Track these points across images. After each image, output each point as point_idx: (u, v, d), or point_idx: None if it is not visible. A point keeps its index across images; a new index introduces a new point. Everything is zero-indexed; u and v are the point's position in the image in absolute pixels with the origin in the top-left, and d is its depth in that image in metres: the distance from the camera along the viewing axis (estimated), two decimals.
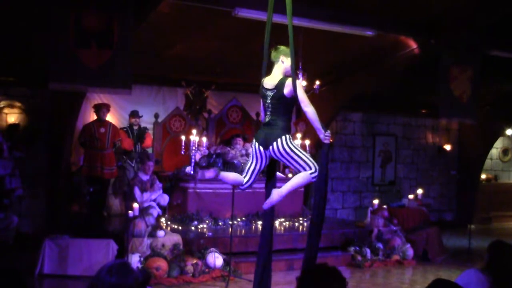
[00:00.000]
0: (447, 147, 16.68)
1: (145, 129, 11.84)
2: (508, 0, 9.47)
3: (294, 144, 5.78)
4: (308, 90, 10.76)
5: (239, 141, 11.71)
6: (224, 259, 8.95)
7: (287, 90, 5.76)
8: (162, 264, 8.51)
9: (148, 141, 11.81)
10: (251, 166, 6.05)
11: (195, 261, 8.79)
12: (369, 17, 9.82)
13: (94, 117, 11.09)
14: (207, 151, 11.15)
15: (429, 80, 11.50)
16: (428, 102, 14.57)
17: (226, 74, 12.35)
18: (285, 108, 5.84)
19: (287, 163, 5.86)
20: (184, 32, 10.04)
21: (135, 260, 8.38)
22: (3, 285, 2.72)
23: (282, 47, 5.90)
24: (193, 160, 10.69)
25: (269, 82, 5.90)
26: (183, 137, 11.00)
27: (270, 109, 5.83)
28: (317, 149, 13.86)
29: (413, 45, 11.07)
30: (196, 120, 12.33)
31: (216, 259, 8.89)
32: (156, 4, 8.43)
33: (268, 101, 5.85)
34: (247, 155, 11.35)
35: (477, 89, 11.19)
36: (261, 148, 5.85)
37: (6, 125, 10.98)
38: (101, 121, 10.93)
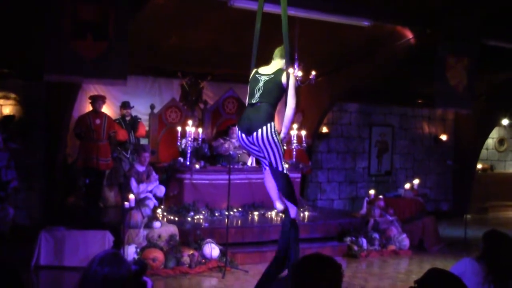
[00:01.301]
0: (443, 137, 16.69)
1: (137, 118, 11.82)
2: None
3: (277, 136, 5.79)
4: (304, 80, 10.76)
5: (236, 130, 11.71)
6: (220, 250, 8.96)
7: (284, 79, 5.79)
8: (158, 255, 8.51)
9: (142, 130, 11.78)
10: (254, 154, 6.09)
11: (191, 252, 8.80)
12: (365, 7, 9.80)
13: (89, 108, 11.06)
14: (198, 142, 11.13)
15: (426, 70, 11.49)
16: (424, 92, 14.55)
17: (222, 65, 12.32)
18: (276, 94, 5.86)
19: (264, 152, 5.85)
20: (179, 23, 10.00)
21: (131, 251, 8.39)
22: None
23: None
24: (189, 152, 10.69)
25: (266, 69, 5.94)
26: (179, 128, 10.99)
27: (260, 92, 5.83)
28: (313, 140, 13.89)
29: (409, 35, 11.07)
30: (192, 111, 12.31)
31: (212, 250, 8.90)
32: None
33: (260, 84, 5.86)
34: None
35: (473, 79, 11.19)
36: (244, 136, 5.86)
37: (1, 117, 10.93)
38: (96, 113, 10.90)
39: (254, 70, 6.02)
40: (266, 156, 5.87)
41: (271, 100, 5.85)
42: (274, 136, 5.77)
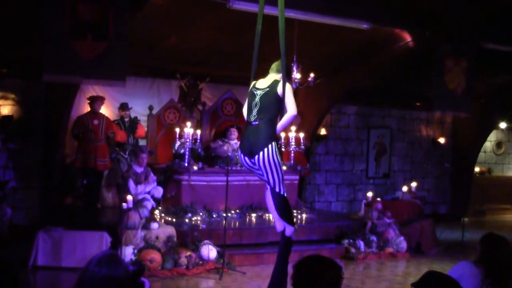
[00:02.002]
0: (441, 140, 16.71)
1: (136, 119, 11.83)
2: None
3: (279, 157, 5.80)
4: (303, 82, 10.77)
5: (234, 131, 11.74)
6: (218, 252, 8.96)
7: (280, 89, 5.79)
8: (156, 256, 8.51)
9: (141, 131, 11.79)
10: (257, 174, 6.10)
11: (189, 253, 8.79)
12: (364, 10, 9.81)
13: (88, 108, 11.05)
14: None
15: (424, 73, 11.50)
16: (422, 95, 14.57)
17: (221, 66, 12.32)
18: (273, 108, 5.84)
19: (264, 173, 5.85)
20: (178, 24, 10.01)
21: (128, 252, 8.38)
22: None
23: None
24: (187, 153, 10.69)
25: (263, 83, 5.95)
26: (177, 129, 10.99)
27: (257, 108, 5.83)
28: (312, 142, 13.89)
29: (408, 38, 11.09)
30: (190, 113, 12.31)
31: (210, 251, 8.90)
32: None
33: (257, 99, 5.85)
34: None
35: (471, 82, 11.20)
36: (247, 158, 5.87)
37: (0, 117, 10.93)
38: (94, 113, 10.89)
39: (252, 84, 6.02)
40: (266, 177, 5.88)
41: (270, 115, 5.82)
42: (275, 157, 5.77)
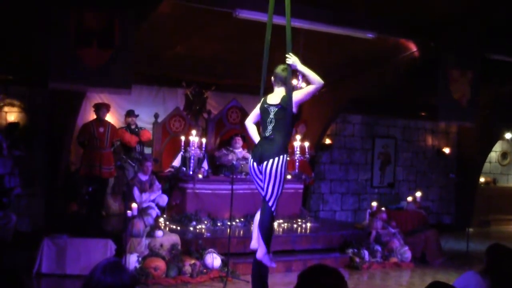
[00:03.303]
0: (446, 150, 16.69)
1: (142, 128, 11.86)
2: (507, 4, 9.49)
3: (285, 170, 5.84)
4: None
5: (239, 140, 11.75)
6: (222, 260, 8.96)
7: (293, 101, 5.85)
8: (160, 264, 8.51)
9: (147, 134, 11.78)
10: (258, 187, 6.10)
11: (193, 261, 8.79)
12: (370, 19, 9.84)
13: (94, 116, 11.08)
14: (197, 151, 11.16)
15: (429, 83, 11.51)
16: (427, 105, 14.56)
17: (226, 75, 12.35)
18: (288, 123, 5.90)
19: (266, 180, 5.85)
20: (184, 32, 10.05)
21: (133, 260, 8.39)
22: (1, 284, 2.72)
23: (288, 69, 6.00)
24: (192, 160, 10.71)
25: (273, 98, 5.99)
26: (182, 138, 11.01)
27: (272, 124, 5.90)
28: (316, 151, 13.89)
29: (413, 48, 11.09)
30: (196, 121, 12.33)
31: (214, 259, 8.90)
32: (157, 4, 8.43)
33: (272, 116, 5.92)
34: (245, 158, 11.39)
35: (476, 92, 11.19)
36: (255, 164, 5.89)
37: (5, 124, 10.97)
38: (100, 121, 10.92)
39: (263, 99, 6.07)
40: (265, 186, 5.87)
41: (286, 130, 5.90)
42: (283, 169, 5.81)
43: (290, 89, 5.93)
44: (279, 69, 6.06)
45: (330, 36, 9.96)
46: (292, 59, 5.96)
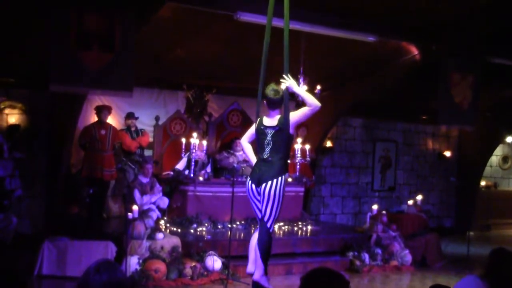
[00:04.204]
0: (447, 153, 16.69)
1: (142, 130, 11.85)
2: (509, 7, 9.50)
3: (284, 191, 5.88)
4: None
5: (239, 143, 11.71)
6: (222, 262, 8.95)
7: (290, 123, 5.89)
8: (160, 266, 8.51)
9: (146, 138, 11.78)
10: (255, 209, 6.12)
11: (193, 264, 8.79)
12: (371, 23, 9.85)
13: (95, 118, 11.09)
14: (203, 154, 11.17)
15: (430, 87, 11.51)
16: (428, 109, 14.57)
17: (227, 78, 12.36)
18: (286, 145, 5.95)
19: (265, 202, 5.88)
20: (185, 35, 10.06)
21: (133, 262, 8.39)
22: (2, 286, 2.72)
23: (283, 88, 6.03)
24: (193, 163, 10.71)
25: (270, 120, 6.01)
26: (183, 140, 11.01)
27: (270, 146, 5.94)
28: (317, 155, 13.89)
29: (414, 51, 11.11)
30: (196, 123, 12.34)
31: (214, 262, 8.90)
32: (158, 7, 8.44)
33: (269, 138, 5.96)
34: (246, 161, 11.40)
35: (477, 96, 11.20)
36: (253, 186, 5.92)
37: (6, 126, 10.98)
38: (101, 123, 10.93)
39: (258, 120, 6.09)
40: (264, 207, 5.90)
41: (283, 151, 5.97)
42: (281, 190, 5.88)
43: (287, 111, 5.96)
44: (270, 93, 6.03)
45: (331, 39, 9.97)
46: (289, 81, 5.97)
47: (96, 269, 2.76)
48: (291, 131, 6.02)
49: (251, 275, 6.21)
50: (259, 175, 5.91)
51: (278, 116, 6.02)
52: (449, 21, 10.06)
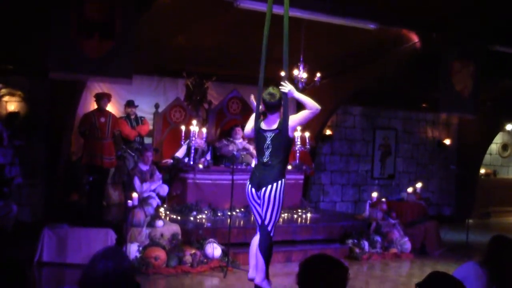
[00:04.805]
0: (447, 141, 16.69)
1: (142, 118, 11.83)
2: None
3: (283, 195, 5.91)
4: (309, 82, 10.78)
5: (239, 131, 11.73)
6: (222, 250, 8.98)
7: (290, 126, 5.90)
8: (160, 254, 8.53)
9: (146, 127, 11.77)
10: (254, 213, 6.15)
11: (193, 251, 8.81)
12: (372, 10, 9.81)
13: (94, 106, 11.07)
14: (203, 142, 11.17)
15: (430, 75, 11.49)
16: (428, 97, 14.56)
17: (227, 65, 12.33)
18: (285, 148, 5.97)
19: (265, 206, 5.91)
20: (185, 23, 10.02)
21: (133, 250, 8.41)
22: (2, 273, 2.72)
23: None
24: (192, 151, 10.71)
25: (269, 124, 6.02)
26: (183, 128, 11.01)
27: (269, 150, 5.96)
28: (317, 142, 13.90)
29: (415, 39, 11.07)
30: (196, 111, 12.32)
31: (214, 249, 8.92)
32: None
33: (268, 141, 5.97)
34: (245, 149, 11.41)
35: (478, 84, 11.18)
36: (253, 190, 5.95)
37: (6, 114, 10.97)
38: (101, 111, 10.91)
39: (258, 126, 6.09)
40: (264, 211, 5.91)
41: (283, 155, 5.99)
42: (281, 194, 5.91)
43: (286, 114, 5.96)
44: (267, 97, 6.04)
45: (332, 27, 9.94)
46: (287, 87, 5.97)
47: (103, 256, 2.74)
48: (291, 134, 6.02)
49: (253, 280, 6.25)
50: (259, 179, 5.94)
51: (278, 119, 6.03)
52: (450, 9, 10.02)
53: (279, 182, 5.88)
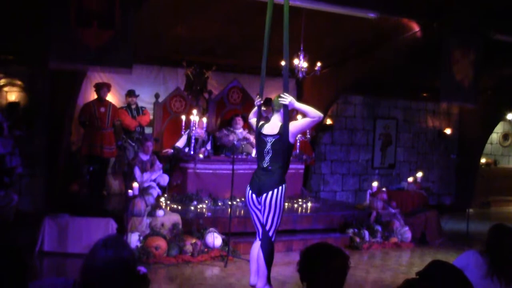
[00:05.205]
0: (448, 131, 16.68)
1: (143, 108, 11.81)
2: None
3: (284, 200, 5.94)
4: (309, 72, 10.76)
5: (239, 120, 11.73)
6: (223, 239, 9.00)
7: (291, 132, 5.91)
8: (161, 243, 8.55)
9: (146, 117, 11.75)
10: (254, 219, 6.15)
11: (194, 240, 8.83)
12: None
13: (94, 96, 11.06)
14: (203, 132, 11.17)
15: (431, 64, 11.46)
16: (429, 86, 14.54)
17: (227, 55, 12.30)
18: (285, 154, 5.97)
19: (266, 212, 5.92)
20: (185, 12, 9.99)
21: (134, 239, 8.43)
22: (3, 262, 2.72)
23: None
24: (193, 141, 10.71)
25: (270, 129, 6.01)
26: (183, 117, 10.99)
27: (270, 155, 5.96)
28: (317, 132, 13.89)
29: (416, 28, 11.03)
30: (196, 101, 12.31)
31: (215, 239, 8.94)
32: None
33: (268, 146, 5.97)
34: (246, 139, 11.41)
35: (479, 73, 11.15)
36: (254, 196, 5.96)
37: (6, 104, 10.95)
38: (101, 101, 10.91)
39: (258, 131, 6.09)
40: (265, 217, 5.92)
41: (283, 160, 5.99)
42: (282, 200, 5.93)
43: (287, 122, 5.96)
44: (275, 104, 6.13)
45: (332, 16, 9.91)
46: (288, 99, 5.97)
47: (103, 244, 2.73)
48: (291, 140, 6.03)
49: (254, 287, 6.27)
50: (260, 185, 5.95)
51: (279, 124, 6.03)
52: None
53: (280, 188, 5.92)
